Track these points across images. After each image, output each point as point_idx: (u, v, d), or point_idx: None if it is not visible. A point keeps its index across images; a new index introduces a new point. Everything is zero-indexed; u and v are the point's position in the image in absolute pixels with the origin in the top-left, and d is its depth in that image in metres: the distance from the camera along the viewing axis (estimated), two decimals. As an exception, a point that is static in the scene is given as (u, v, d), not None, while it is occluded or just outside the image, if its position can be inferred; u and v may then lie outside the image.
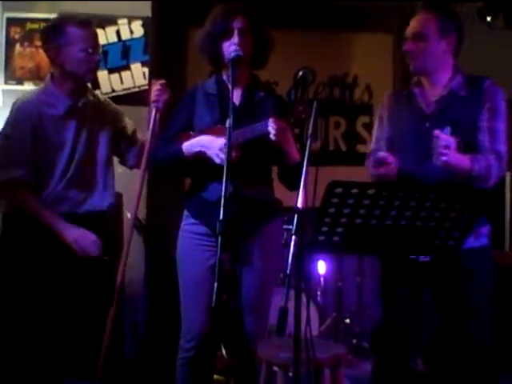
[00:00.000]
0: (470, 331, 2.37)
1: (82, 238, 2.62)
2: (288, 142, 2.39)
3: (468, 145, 2.32)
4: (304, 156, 2.04)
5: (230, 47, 2.40)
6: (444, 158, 2.19)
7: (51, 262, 2.61)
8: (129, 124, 2.92)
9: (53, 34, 2.65)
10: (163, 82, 2.72)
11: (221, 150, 2.34)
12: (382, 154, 2.35)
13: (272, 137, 2.31)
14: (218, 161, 2.35)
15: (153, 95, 2.72)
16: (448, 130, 2.23)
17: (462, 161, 2.27)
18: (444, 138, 2.21)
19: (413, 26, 2.46)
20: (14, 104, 2.72)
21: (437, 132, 2.22)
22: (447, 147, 2.19)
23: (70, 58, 2.63)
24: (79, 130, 2.71)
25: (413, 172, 2.39)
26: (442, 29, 2.41)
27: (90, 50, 2.63)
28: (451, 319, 2.42)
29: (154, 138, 2.73)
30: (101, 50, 2.77)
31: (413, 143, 2.42)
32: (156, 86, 2.71)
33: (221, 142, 2.34)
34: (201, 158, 2.43)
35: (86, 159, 2.72)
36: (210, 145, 2.39)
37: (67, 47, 2.62)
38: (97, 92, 3.18)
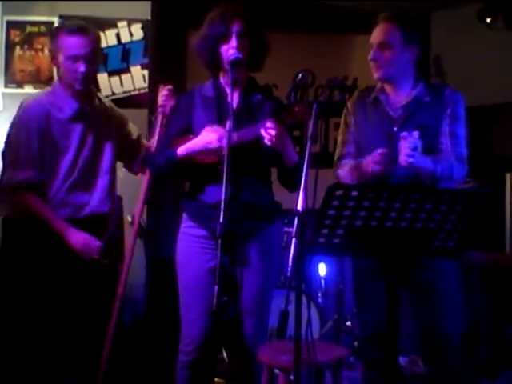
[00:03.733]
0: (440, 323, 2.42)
1: (85, 244, 2.63)
2: (284, 145, 2.39)
3: (433, 147, 2.42)
4: (304, 158, 2.05)
5: (229, 51, 2.40)
6: (410, 160, 2.27)
7: (51, 266, 2.61)
8: (133, 129, 2.92)
9: (50, 39, 2.67)
10: (170, 87, 2.73)
11: (218, 139, 2.34)
12: (381, 150, 2.37)
13: (267, 141, 2.31)
14: (224, 141, 2.30)
15: (160, 100, 2.73)
16: (416, 133, 2.28)
17: (426, 162, 2.37)
18: (411, 139, 2.27)
19: (377, 35, 2.53)
20: (21, 104, 2.71)
21: (404, 134, 2.30)
22: (415, 149, 2.27)
23: (60, 65, 2.65)
24: (85, 134, 2.71)
25: (384, 174, 2.43)
26: (405, 39, 2.49)
27: (74, 59, 2.60)
28: (422, 313, 2.47)
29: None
30: (96, 61, 2.69)
31: (381, 146, 2.45)
32: (164, 92, 2.73)
33: (214, 133, 2.35)
34: (199, 161, 2.43)
35: (89, 164, 2.72)
36: (208, 139, 2.39)
37: (58, 54, 2.63)
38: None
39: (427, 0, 4.58)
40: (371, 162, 2.40)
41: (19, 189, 2.61)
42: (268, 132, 2.29)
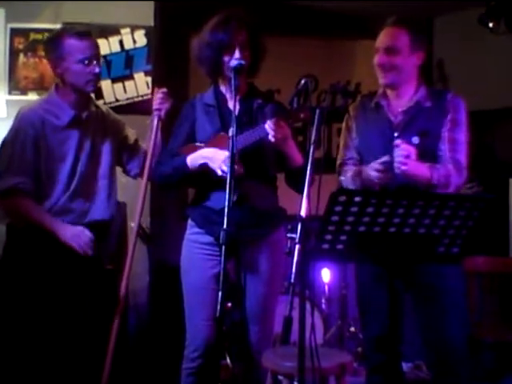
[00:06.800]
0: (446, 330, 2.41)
1: (77, 235, 2.61)
2: (287, 144, 2.39)
3: (433, 153, 2.40)
4: (307, 163, 2.05)
5: (231, 61, 2.40)
6: (404, 168, 2.26)
7: (54, 271, 2.61)
8: (130, 133, 2.93)
9: (52, 47, 2.67)
10: (165, 90, 2.74)
11: (224, 162, 2.34)
12: (385, 158, 2.36)
13: (271, 138, 2.31)
14: (219, 173, 2.36)
15: (155, 103, 2.74)
16: (416, 139, 2.27)
17: (421, 170, 2.34)
18: (404, 147, 2.26)
19: (385, 39, 2.50)
20: (18, 112, 2.72)
21: (397, 142, 2.29)
22: (407, 156, 2.25)
23: (68, 69, 2.64)
24: (82, 141, 2.72)
25: (386, 181, 2.41)
26: (413, 44, 2.47)
27: (86, 62, 2.61)
28: (426, 318, 2.46)
29: (156, 147, 2.75)
30: (101, 61, 2.75)
31: (382, 152, 2.45)
32: (158, 95, 2.73)
33: (223, 154, 2.35)
34: (205, 169, 2.43)
35: (88, 170, 2.72)
36: (213, 157, 2.40)
37: (65, 59, 2.63)
38: (100, 101, 3.20)
39: (430, 4, 4.58)
40: (372, 169, 2.39)
41: (9, 194, 2.61)
42: (270, 127, 2.29)
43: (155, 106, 2.73)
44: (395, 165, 2.28)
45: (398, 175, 2.36)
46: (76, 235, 2.61)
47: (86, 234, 2.63)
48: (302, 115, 2.25)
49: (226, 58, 2.43)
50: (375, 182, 2.40)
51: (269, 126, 2.31)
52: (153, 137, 2.74)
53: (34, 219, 2.61)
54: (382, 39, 2.51)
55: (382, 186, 2.41)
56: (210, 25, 2.49)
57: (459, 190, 2.46)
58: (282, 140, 2.35)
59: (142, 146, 2.91)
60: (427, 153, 2.39)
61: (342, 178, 2.60)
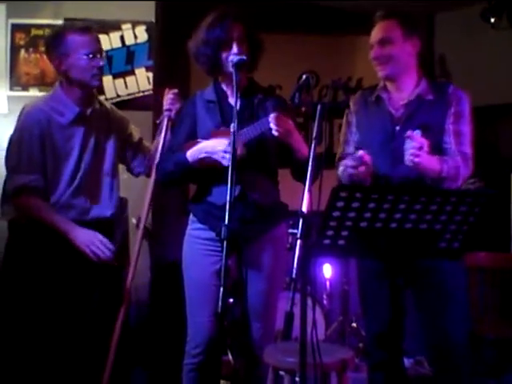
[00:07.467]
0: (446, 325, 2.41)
1: (94, 243, 2.60)
2: (292, 137, 2.39)
3: (436, 147, 2.39)
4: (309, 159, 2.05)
5: (230, 56, 2.40)
6: (417, 159, 2.24)
7: (57, 268, 2.61)
8: (135, 131, 2.93)
9: (54, 44, 2.66)
10: (176, 91, 2.76)
11: (225, 151, 2.33)
12: (361, 152, 2.37)
13: (275, 132, 2.31)
14: (225, 162, 2.34)
15: (166, 104, 2.76)
16: (418, 132, 2.26)
17: (433, 162, 2.33)
18: (417, 139, 2.25)
19: (377, 33, 2.51)
20: (22, 110, 2.72)
21: (409, 133, 2.27)
22: (420, 148, 2.24)
23: (73, 65, 2.64)
24: (86, 138, 2.72)
25: (386, 174, 2.44)
26: (405, 32, 2.48)
27: (91, 56, 2.63)
28: (428, 314, 2.46)
29: (164, 146, 2.76)
30: (104, 55, 2.75)
31: (384, 146, 2.46)
32: (169, 95, 2.76)
33: (224, 143, 2.35)
34: (206, 163, 2.43)
35: (92, 167, 2.72)
36: (214, 148, 2.39)
37: (69, 55, 2.63)
38: (102, 97, 3.19)
39: (431, 1, 4.57)
40: (347, 165, 2.39)
41: (21, 192, 2.61)
42: (273, 122, 2.29)
43: (166, 106, 2.76)
44: (407, 157, 2.26)
45: (401, 167, 2.35)
46: (89, 241, 2.58)
47: (99, 239, 2.60)
48: (303, 109, 2.25)
49: (224, 55, 2.42)
50: (351, 178, 2.41)
51: (271, 120, 2.30)
52: (162, 136, 2.76)
53: (44, 219, 2.60)
54: (375, 34, 2.52)
55: (365, 181, 2.40)
56: (205, 23, 2.49)
57: (464, 182, 2.46)
58: (286, 134, 2.35)
59: (146, 144, 2.91)
60: (431, 146, 2.38)
61: (338, 172, 2.61)
